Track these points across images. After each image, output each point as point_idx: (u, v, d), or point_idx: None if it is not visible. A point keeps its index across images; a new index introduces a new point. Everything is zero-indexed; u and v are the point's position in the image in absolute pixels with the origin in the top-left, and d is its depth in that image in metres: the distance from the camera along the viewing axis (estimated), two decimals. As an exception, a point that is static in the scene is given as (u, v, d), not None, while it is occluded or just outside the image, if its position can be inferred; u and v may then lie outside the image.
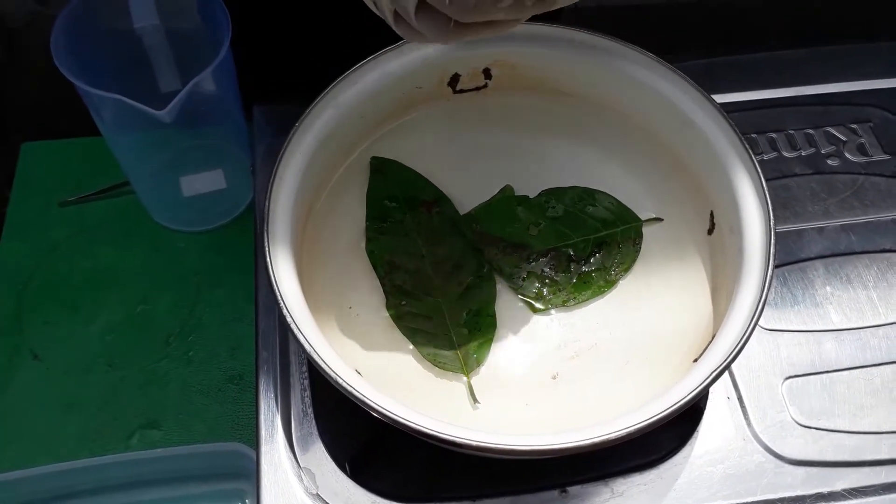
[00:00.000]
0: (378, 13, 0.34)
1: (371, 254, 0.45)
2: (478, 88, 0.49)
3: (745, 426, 0.42)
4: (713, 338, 0.39)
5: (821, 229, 0.50)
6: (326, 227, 0.46)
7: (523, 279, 0.45)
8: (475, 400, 0.41)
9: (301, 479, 0.41)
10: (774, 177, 0.52)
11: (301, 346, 0.36)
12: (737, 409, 0.43)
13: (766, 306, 0.38)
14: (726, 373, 0.43)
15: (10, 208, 0.64)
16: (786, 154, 0.53)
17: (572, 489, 0.41)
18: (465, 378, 0.41)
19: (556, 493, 0.41)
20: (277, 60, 0.64)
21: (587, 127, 0.49)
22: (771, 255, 0.39)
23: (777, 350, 0.45)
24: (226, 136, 0.63)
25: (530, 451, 0.34)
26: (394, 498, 0.40)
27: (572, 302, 0.44)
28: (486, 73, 0.48)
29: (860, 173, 0.52)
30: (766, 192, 0.41)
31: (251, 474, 0.44)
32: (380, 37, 0.42)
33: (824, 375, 0.44)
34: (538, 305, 0.44)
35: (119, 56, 0.55)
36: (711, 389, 0.43)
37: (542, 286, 0.44)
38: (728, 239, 0.42)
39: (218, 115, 0.59)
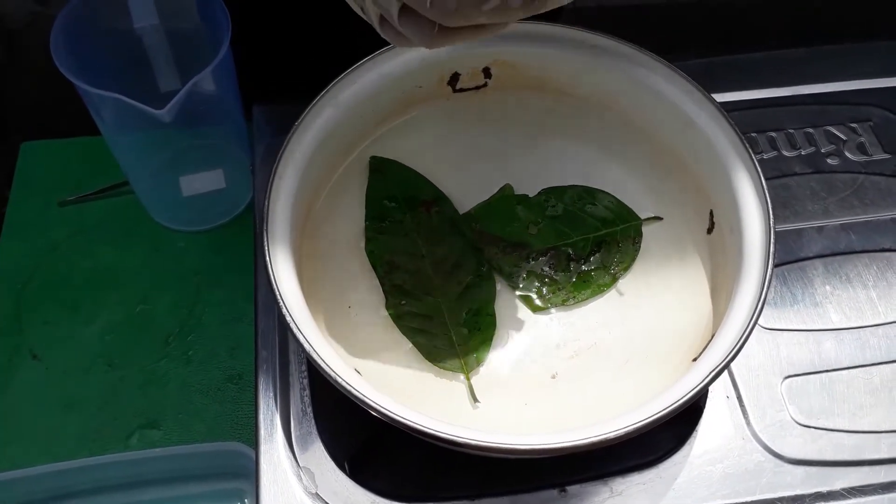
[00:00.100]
0: (365, 18, 0.34)
1: (370, 254, 0.45)
2: (478, 88, 0.49)
3: (745, 425, 0.42)
4: (712, 337, 0.39)
5: (820, 228, 0.49)
6: (326, 226, 0.46)
7: (523, 278, 0.45)
8: (475, 399, 0.41)
9: (300, 479, 0.41)
10: (774, 176, 0.52)
11: (300, 345, 0.36)
12: (736, 409, 0.43)
13: (765, 305, 0.38)
14: (725, 372, 0.43)
15: (9, 208, 0.64)
16: (785, 153, 0.53)
17: (571, 488, 0.41)
18: (464, 377, 0.41)
19: (555, 492, 0.41)
20: (277, 60, 0.65)
21: (587, 126, 0.49)
22: (770, 254, 0.39)
23: (776, 349, 0.45)
24: (225, 135, 0.63)
25: (529, 451, 0.34)
26: (393, 497, 0.40)
27: (572, 301, 0.44)
28: (486, 73, 0.48)
29: (860, 172, 0.52)
30: (766, 191, 0.41)
31: (250, 474, 0.44)
32: (379, 36, 0.42)
33: (824, 375, 0.44)
34: (538, 304, 0.44)
35: (119, 56, 0.55)
36: (711, 389, 0.43)
37: (541, 285, 0.44)
38: (728, 238, 0.42)
39: (218, 115, 0.59)
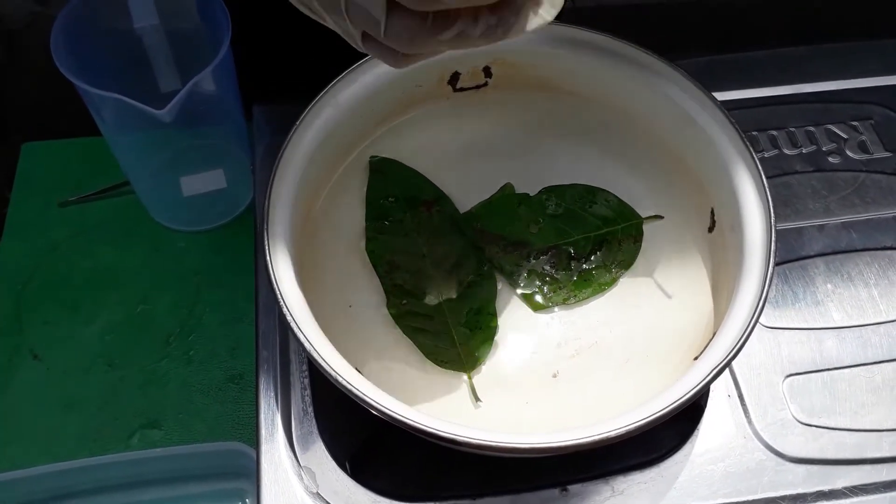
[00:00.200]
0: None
1: (371, 253, 0.45)
2: (478, 87, 0.49)
3: (746, 424, 0.42)
4: (714, 335, 0.38)
5: (822, 227, 0.49)
6: (326, 226, 0.46)
7: (524, 277, 0.44)
8: (477, 398, 0.41)
9: (301, 478, 0.41)
10: (775, 174, 0.52)
11: (301, 344, 0.36)
12: (737, 407, 0.43)
13: (766, 304, 0.37)
14: (727, 371, 0.43)
15: (10, 208, 0.64)
16: (787, 151, 0.53)
17: (573, 487, 0.41)
18: (465, 376, 0.41)
19: (556, 491, 0.41)
20: (277, 60, 0.64)
21: (587, 125, 0.49)
22: (772, 252, 0.39)
23: (778, 348, 0.45)
24: (226, 135, 0.63)
25: (531, 449, 0.34)
26: (394, 496, 0.40)
27: (573, 300, 0.44)
28: (487, 72, 0.48)
29: (861, 171, 0.52)
30: (767, 190, 0.40)
31: (251, 473, 0.44)
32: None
33: (825, 373, 0.44)
34: (539, 303, 0.44)
35: (119, 56, 0.55)
36: (712, 387, 0.43)
37: (542, 284, 0.44)
38: (729, 236, 0.42)
39: (218, 115, 0.59)
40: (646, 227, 0.46)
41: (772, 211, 0.40)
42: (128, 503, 0.52)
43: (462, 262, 0.45)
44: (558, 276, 0.45)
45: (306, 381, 0.43)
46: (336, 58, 0.46)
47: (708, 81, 0.44)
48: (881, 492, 0.40)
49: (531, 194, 0.47)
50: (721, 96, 0.45)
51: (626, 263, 0.45)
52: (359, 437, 0.44)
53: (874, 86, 0.55)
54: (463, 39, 0.29)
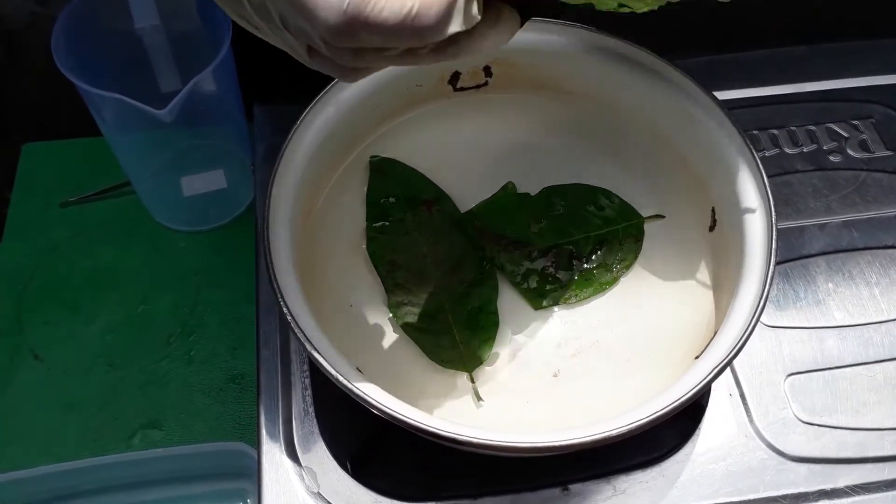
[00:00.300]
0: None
1: (372, 253, 0.45)
2: (478, 86, 0.49)
3: (748, 423, 0.42)
4: (715, 334, 0.38)
5: (823, 226, 0.49)
6: (327, 226, 0.46)
7: (525, 276, 0.44)
8: (479, 398, 0.41)
9: (302, 478, 0.41)
10: (776, 173, 0.52)
11: (302, 344, 0.36)
12: (739, 406, 0.43)
13: (767, 303, 0.37)
14: (728, 370, 0.43)
15: (10, 209, 0.64)
16: (787, 150, 0.53)
17: (574, 487, 0.41)
18: (465, 376, 0.41)
19: (557, 490, 0.41)
20: (277, 60, 0.64)
21: (588, 124, 0.49)
22: (772, 251, 0.39)
23: (779, 347, 0.45)
24: (226, 135, 0.63)
25: (532, 449, 0.34)
26: (395, 496, 0.40)
27: (574, 299, 0.44)
28: (487, 71, 0.48)
29: (862, 169, 0.52)
30: (768, 189, 0.40)
31: (252, 473, 0.44)
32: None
33: (826, 372, 0.44)
34: (540, 302, 0.44)
35: (119, 56, 0.55)
36: (713, 386, 0.43)
37: (543, 283, 0.44)
38: (730, 235, 0.42)
39: (218, 115, 0.59)
40: (647, 227, 0.46)
41: (773, 210, 0.40)
42: (129, 503, 0.52)
43: (463, 261, 0.45)
44: (559, 276, 0.44)
45: (307, 381, 0.43)
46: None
47: (709, 81, 0.44)
48: (883, 490, 0.40)
49: (532, 194, 0.47)
50: (721, 96, 0.45)
51: (628, 263, 0.45)
52: (360, 436, 0.44)
53: (875, 85, 0.55)
54: (411, 57, 0.28)
